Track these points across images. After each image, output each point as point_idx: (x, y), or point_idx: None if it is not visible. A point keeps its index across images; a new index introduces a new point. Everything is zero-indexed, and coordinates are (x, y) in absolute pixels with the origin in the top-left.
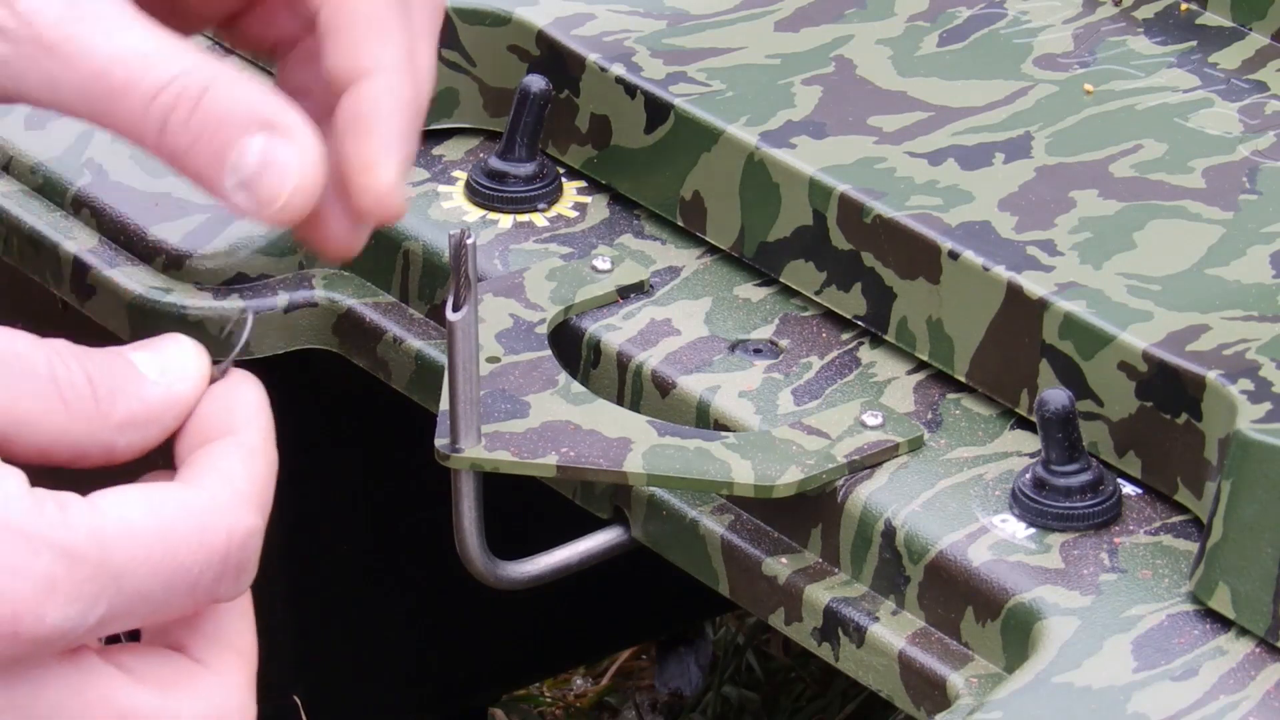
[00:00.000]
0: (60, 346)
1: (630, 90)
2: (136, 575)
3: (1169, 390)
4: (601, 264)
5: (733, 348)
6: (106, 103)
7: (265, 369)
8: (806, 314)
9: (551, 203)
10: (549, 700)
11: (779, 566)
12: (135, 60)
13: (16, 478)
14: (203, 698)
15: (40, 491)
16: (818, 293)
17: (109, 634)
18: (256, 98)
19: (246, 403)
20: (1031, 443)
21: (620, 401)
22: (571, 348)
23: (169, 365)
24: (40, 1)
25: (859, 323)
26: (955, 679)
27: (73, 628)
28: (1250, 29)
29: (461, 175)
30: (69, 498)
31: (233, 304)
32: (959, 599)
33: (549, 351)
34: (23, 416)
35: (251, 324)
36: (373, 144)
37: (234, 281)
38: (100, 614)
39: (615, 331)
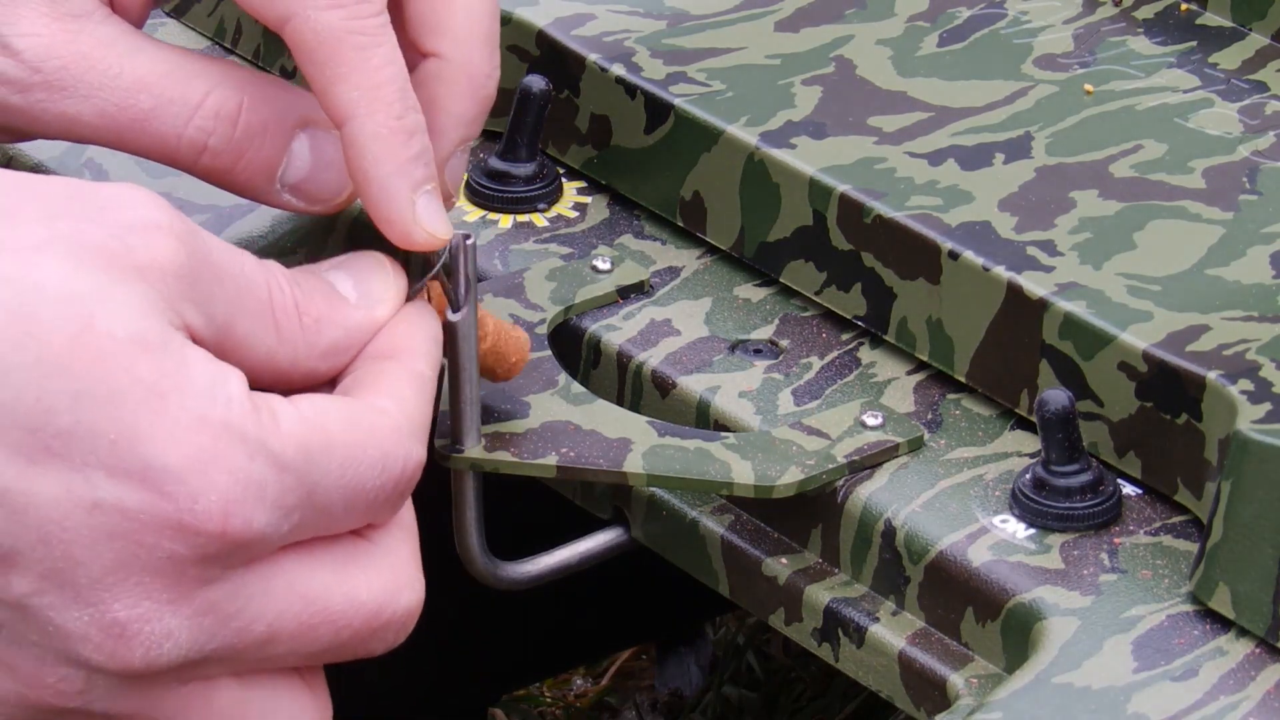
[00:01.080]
0: (276, 270)
1: (630, 90)
2: (327, 491)
3: (1169, 390)
4: (601, 264)
5: (733, 348)
6: (134, 132)
7: None
8: (806, 314)
9: (551, 203)
10: (549, 700)
11: (779, 567)
12: (158, 85)
13: (239, 379)
14: (376, 572)
15: (257, 396)
16: (818, 293)
17: (291, 540)
18: (290, 97)
19: (424, 330)
20: (1031, 443)
21: (620, 402)
22: (571, 348)
23: (370, 289)
24: (42, 42)
25: (859, 323)
26: (955, 679)
27: (270, 535)
28: (1250, 29)
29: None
30: (279, 404)
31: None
32: (959, 599)
33: (549, 351)
34: (239, 337)
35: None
36: (374, 201)
37: None
38: (293, 524)
39: (615, 331)
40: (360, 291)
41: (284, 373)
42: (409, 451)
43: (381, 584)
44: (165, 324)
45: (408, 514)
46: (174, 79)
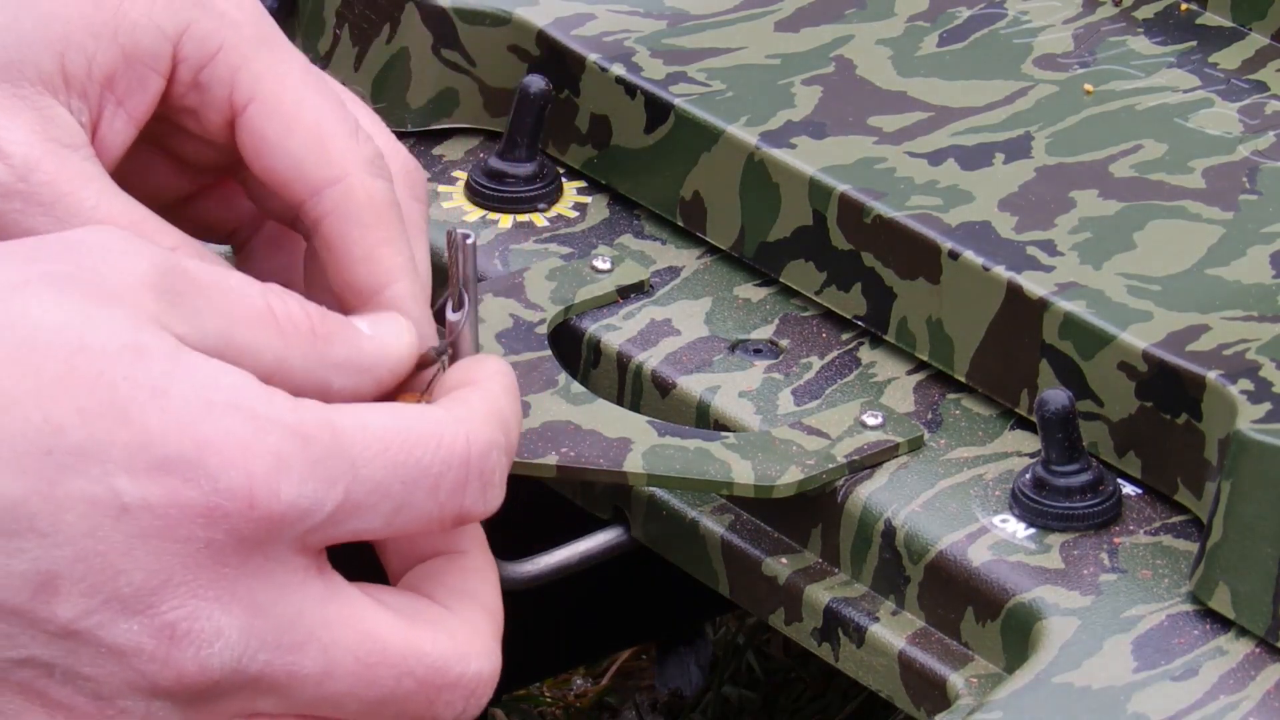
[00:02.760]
0: (279, 289)
1: (630, 90)
2: (373, 466)
3: (1169, 390)
4: (601, 264)
5: (733, 348)
6: None
7: None
8: (806, 314)
9: (551, 203)
10: (549, 700)
11: (779, 566)
12: (130, 229)
13: (246, 373)
14: (447, 636)
15: (272, 387)
16: (818, 293)
17: (354, 530)
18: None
19: (490, 364)
20: (1031, 443)
21: (620, 401)
22: (571, 348)
23: (381, 328)
24: (34, 154)
25: (859, 323)
26: (955, 679)
27: (310, 507)
28: (1250, 29)
29: (461, 175)
30: (304, 399)
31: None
32: (959, 599)
33: (549, 351)
34: (241, 345)
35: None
36: (391, 222)
37: None
38: (338, 499)
39: (615, 331)
40: (374, 329)
41: (298, 383)
42: (471, 430)
43: (451, 645)
44: (157, 331)
45: (494, 598)
46: (144, 228)
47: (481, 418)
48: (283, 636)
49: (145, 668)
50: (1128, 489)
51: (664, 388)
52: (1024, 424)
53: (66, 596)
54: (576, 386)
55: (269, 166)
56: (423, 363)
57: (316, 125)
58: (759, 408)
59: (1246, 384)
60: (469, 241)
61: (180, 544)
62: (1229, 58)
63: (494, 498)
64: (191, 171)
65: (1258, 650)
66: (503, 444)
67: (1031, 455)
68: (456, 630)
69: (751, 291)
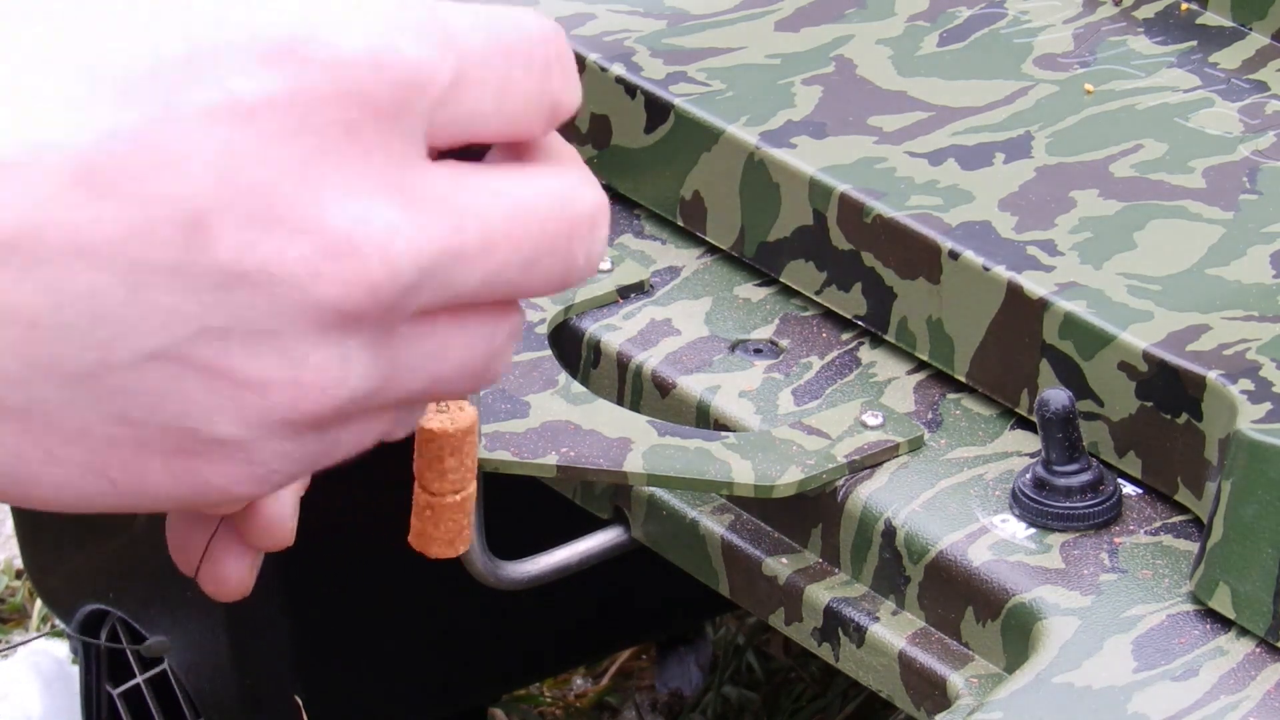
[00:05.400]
0: None
1: (630, 90)
2: (471, 34)
3: (1169, 390)
4: (602, 264)
5: (733, 348)
6: None
7: None
8: (806, 314)
9: None
10: (549, 700)
11: (779, 566)
12: None
13: None
14: (556, 171)
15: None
16: (818, 293)
17: (470, 111)
18: None
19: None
20: (1031, 443)
21: (620, 401)
22: (571, 348)
23: None
24: None
25: (859, 323)
26: (955, 679)
27: (432, 71)
28: (1250, 29)
29: None
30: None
31: None
32: (959, 599)
33: (549, 351)
34: None
35: None
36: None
37: None
38: (452, 65)
39: (615, 331)
40: None
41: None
42: (541, 19)
43: (559, 177)
44: None
45: (570, 152)
46: None
47: (539, 14)
48: (443, 219)
49: (328, 292)
50: (1128, 489)
51: (664, 388)
52: (1024, 424)
53: (220, 232)
54: (577, 386)
55: None
56: None
57: None
58: (759, 408)
59: (1247, 384)
60: None
61: (319, 135)
62: (1229, 57)
63: (575, 85)
64: None
65: (1258, 650)
66: (564, 35)
67: (1032, 455)
68: (562, 169)
69: (751, 291)
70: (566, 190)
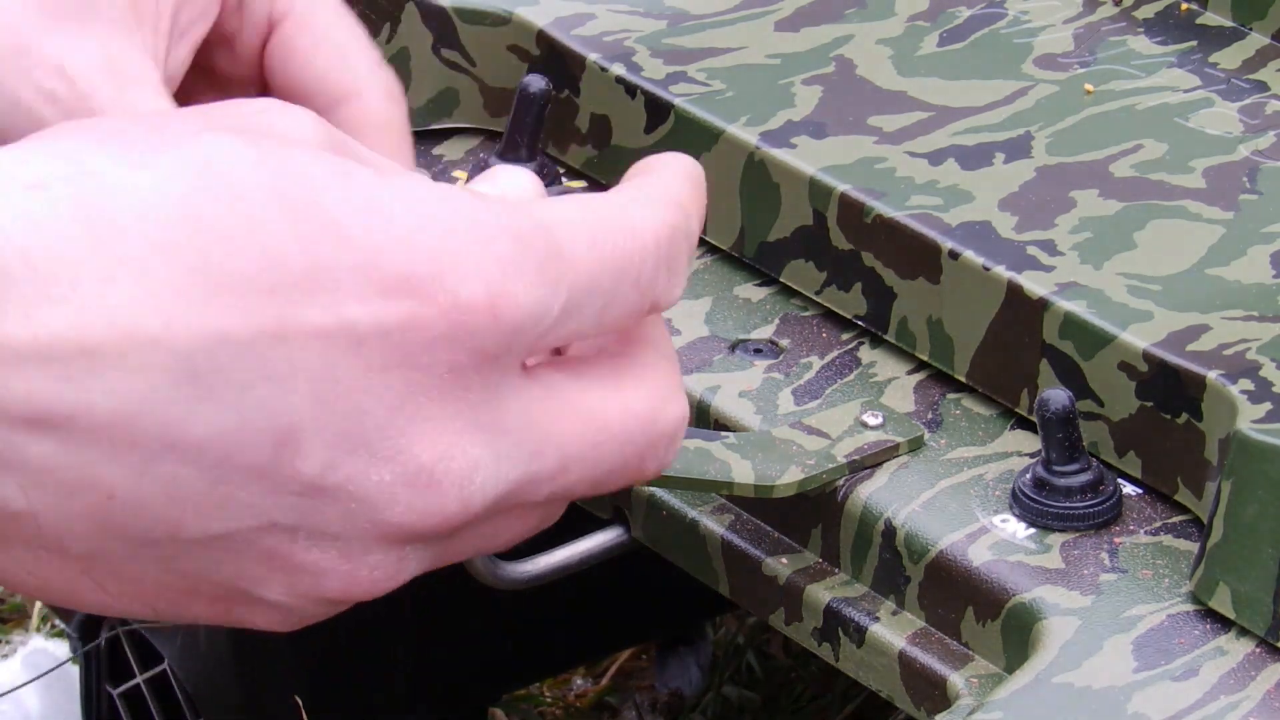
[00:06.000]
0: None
1: (630, 90)
2: (585, 260)
3: (1169, 390)
4: None
5: (733, 348)
6: None
7: None
8: (806, 314)
9: None
10: (549, 700)
11: (779, 566)
12: None
13: (451, 186)
14: (648, 384)
15: (478, 192)
16: (818, 293)
17: (570, 332)
18: None
19: (665, 157)
20: (1032, 443)
21: None
22: None
23: (502, 183)
24: (94, 84)
25: (859, 323)
26: (955, 679)
27: (543, 312)
28: (1250, 29)
29: (462, 175)
30: (506, 200)
31: None
32: (959, 599)
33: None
34: None
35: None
36: (404, 147)
37: None
38: (562, 301)
39: None
40: (494, 185)
41: None
42: (656, 214)
43: (648, 393)
44: (350, 159)
45: (662, 338)
46: None
47: (658, 200)
48: (524, 448)
49: (402, 518)
50: (1128, 489)
51: None
52: (1024, 424)
53: (309, 449)
54: None
55: (295, 78)
56: None
57: (343, 45)
58: (759, 408)
59: (1247, 384)
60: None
61: (423, 372)
62: (1229, 57)
63: (679, 283)
64: (220, 87)
65: (1258, 650)
66: (687, 225)
67: (1032, 455)
68: (648, 379)
69: (751, 291)
70: (654, 411)
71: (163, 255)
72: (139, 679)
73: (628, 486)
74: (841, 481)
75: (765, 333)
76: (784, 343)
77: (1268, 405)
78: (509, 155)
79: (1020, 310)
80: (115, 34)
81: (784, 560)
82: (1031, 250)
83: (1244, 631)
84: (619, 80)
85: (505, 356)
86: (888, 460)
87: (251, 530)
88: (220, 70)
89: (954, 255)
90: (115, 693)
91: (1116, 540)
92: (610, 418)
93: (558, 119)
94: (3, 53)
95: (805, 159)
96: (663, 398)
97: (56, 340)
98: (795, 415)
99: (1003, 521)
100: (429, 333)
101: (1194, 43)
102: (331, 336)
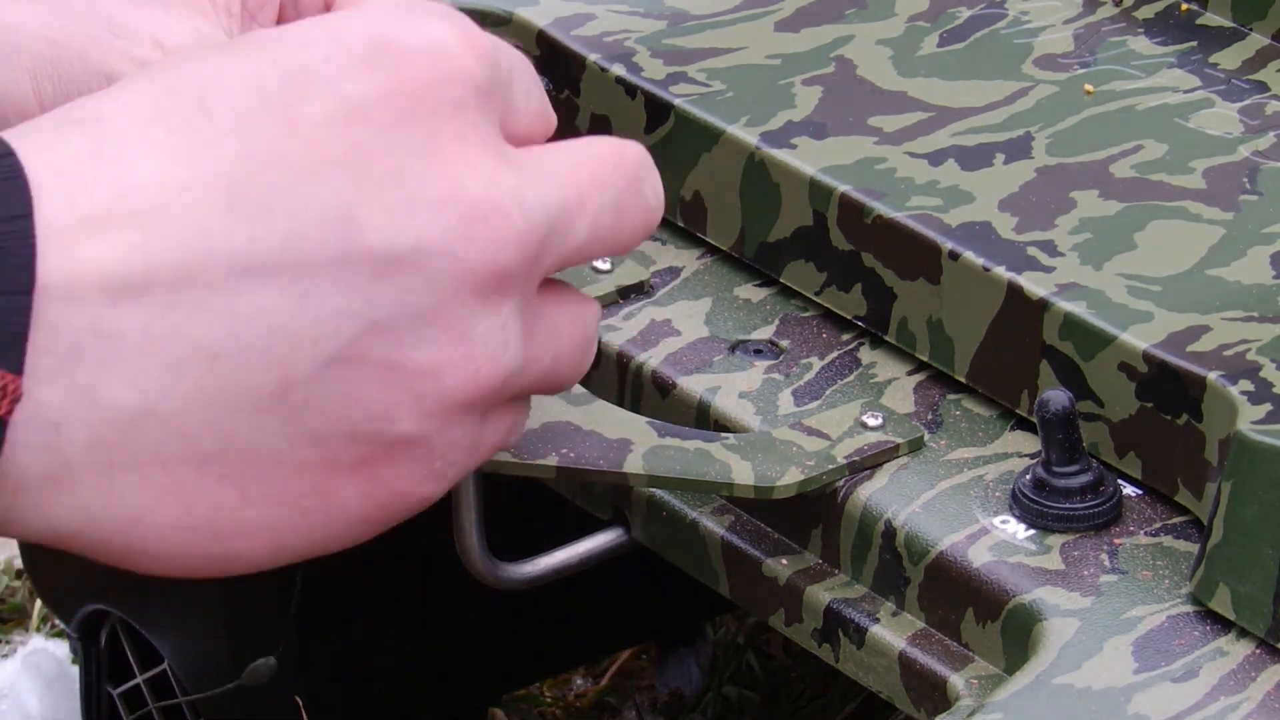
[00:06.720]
0: None
1: (630, 90)
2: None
3: (1169, 391)
4: (601, 264)
5: (733, 348)
6: None
7: None
8: (806, 314)
9: None
10: (549, 700)
11: (779, 567)
12: None
13: None
14: (599, 138)
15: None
16: (818, 293)
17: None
18: None
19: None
20: (1031, 443)
21: (620, 402)
22: None
23: None
24: (183, 47)
25: (859, 323)
26: (955, 680)
27: (500, 49)
28: (1250, 29)
29: None
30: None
31: None
32: (959, 600)
33: None
34: None
35: None
36: None
37: None
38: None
39: (615, 332)
40: None
41: None
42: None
43: (599, 139)
44: None
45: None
46: None
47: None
48: (544, 175)
49: (480, 255)
50: (1128, 489)
51: (664, 388)
52: (1024, 424)
53: (369, 221)
54: (577, 386)
55: None
56: None
57: None
58: (759, 408)
59: (1247, 385)
60: None
61: (432, 115)
62: (1229, 58)
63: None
64: None
65: (1258, 651)
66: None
67: (1032, 456)
68: (599, 137)
69: (751, 292)
70: (614, 143)
71: (153, 114)
72: (139, 679)
73: (649, 229)
74: (841, 482)
75: (765, 333)
76: (784, 343)
77: (1268, 406)
78: None
79: (1020, 311)
80: (195, 15)
81: (784, 561)
82: (1031, 251)
83: (1244, 632)
84: (619, 80)
85: (493, 90)
86: (888, 461)
87: (356, 340)
88: None
89: (954, 256)
90: (115, 693)
91: (1116, 541)
92: (587, 152)
93: (558, 119)
94: (92, 28)
95: (805, 159)
96: (614, 139)
97: (104, 207)
98: (795, 416)
99: (1003, 522)
100: (420, 79)
101: (1194, 43)
102: (338, 116)
